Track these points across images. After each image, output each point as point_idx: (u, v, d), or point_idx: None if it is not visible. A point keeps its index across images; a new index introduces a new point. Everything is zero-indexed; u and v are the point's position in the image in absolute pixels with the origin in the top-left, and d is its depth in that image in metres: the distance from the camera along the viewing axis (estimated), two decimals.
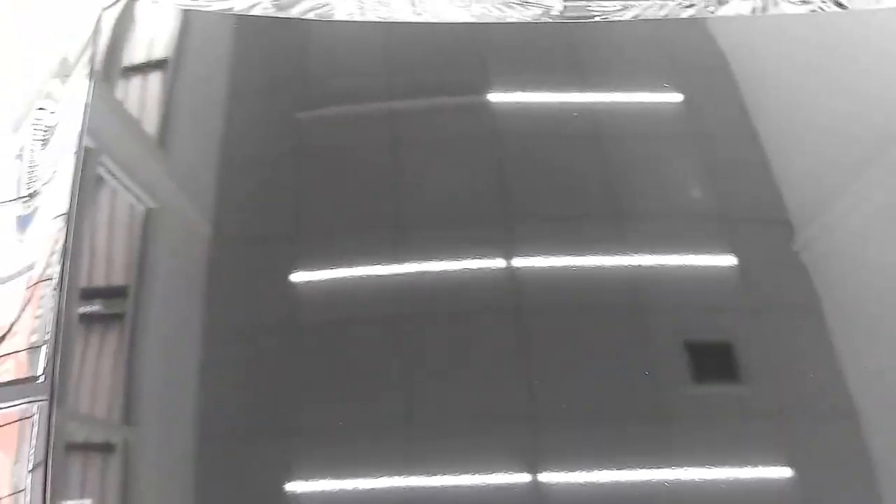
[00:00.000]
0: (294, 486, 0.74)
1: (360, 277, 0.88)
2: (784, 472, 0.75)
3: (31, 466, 0.75)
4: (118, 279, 0.92)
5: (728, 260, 0.90)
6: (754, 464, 0.75)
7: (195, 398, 0.79)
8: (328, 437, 0.76)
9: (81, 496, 0.75)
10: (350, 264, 0.89)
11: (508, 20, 1.13)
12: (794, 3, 1.14)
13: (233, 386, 0.80)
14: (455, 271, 0.87)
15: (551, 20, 1.13)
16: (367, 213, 0.92)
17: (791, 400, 0.80)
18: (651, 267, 0.88)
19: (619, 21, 1.13)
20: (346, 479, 0.74)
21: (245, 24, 1.14)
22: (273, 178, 0.98)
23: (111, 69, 1.13)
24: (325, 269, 0.89)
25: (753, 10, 1.14)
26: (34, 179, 1.03)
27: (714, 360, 0.83)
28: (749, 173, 0.98)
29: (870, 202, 0.96)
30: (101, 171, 0.99)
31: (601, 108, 1.05)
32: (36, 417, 0.77)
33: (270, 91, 1.08)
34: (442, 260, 0.88)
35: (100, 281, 0.92)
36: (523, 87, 1.07)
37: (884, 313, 0.86)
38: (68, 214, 0.92)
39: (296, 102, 1.07)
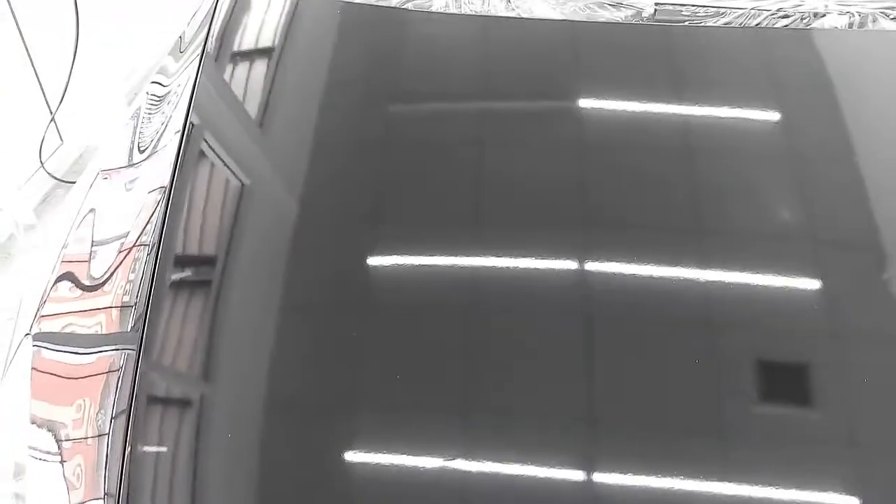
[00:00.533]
0: (349, 458, 0.78)
1: (435, 266, 0.91)
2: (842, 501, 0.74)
3: (114, 413, 0.82)
4: (208, 250, 0.98)
5: (806, 283, 0.88)
6: (812, 489, 0.74)
7: (266, 363, 0.84)
8: (389, 415, 0.80)
9: (159, 444, 0.81)
10: (426, 252, 0.92)
11: (600, 20, 1.12)
12: (893, 18, 1.07)
13: (302, 357, 0.85)
14: (528, 269, 0.89)
15: (643, 22, 1.12)
16: (449, 203, 0.95)
17: (858, 430, 0.77)
18: (727, 284, 0.87)
19: (714, 27, 1.10)
20: (401, 457, 0.77)
21: (349, 10, 1.18)
22: (362, 165, 1.02)
23: (222, 50, 1.21)
24: (401, 254, 0.92)
25: (850, 25, 1.09)
26: (143, 149, 1.12)
27: (779, 383, 0.81)
28: (843, 193, 0.94)
29: None
30: (202, 147, 1.06)
31: (692, 116, 1.03)
32: (122, 369, 0.85)
33: (368, 79, 1.12)
34: (515, 256, 0.90)
35: (190, 250, 0.98)
36: (615, 88, 1.06)
37: None
38: (168, 187, 0.99)
39: (391, 92, 1.10)
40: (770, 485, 0.73)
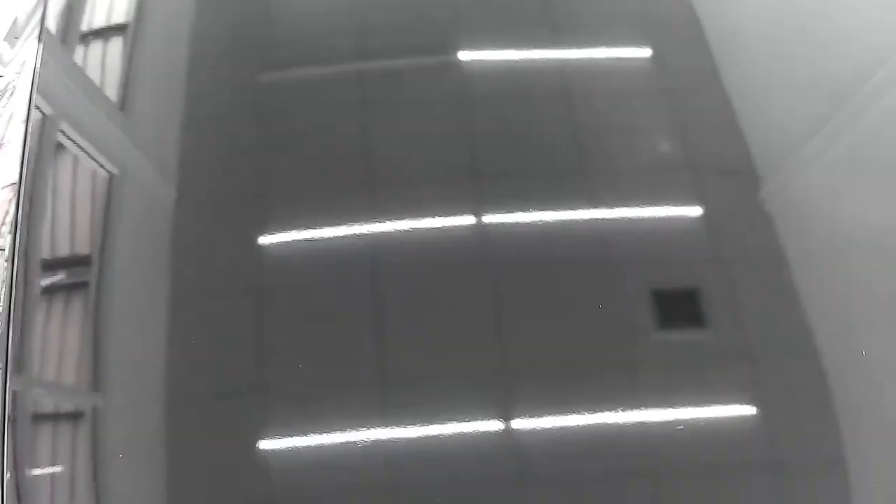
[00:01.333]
0: (265, 446, 0.74)
1: (329, 237, 0.87)
2: (749, 413, 0.76)
3: None
4: (76, 247, 0.91)
5: (690, 211, 0.90)
6: (720, 404, 0.77)
7: (159, 364, 0.79)
8: (298, 396, 0.77)
9: (36, 463, 0.75)
10: (317, 224, 0.88)
11: None
12: None
13: (201, 351, 0.80)
14: (423, 229, 0.87)
15: None
16: (334, 171, 0.91)
17: (755, 343, 0.81)
18: (616, 220, 0.88)
19: None
20: (317, 435, 0.74)
21: None
22: (235, 142, 0.96)
23: (64, 31, 1.10)
24: (289, 230, 0.88)
25: None
26: None
27: (678, 308, 0.83)
28: (715, 124, 0.97)
29: (836, 151, 0.96)
30: (54, 137, 0.97)
31: (566, 58, 1.03)
32: None
33: (232, 53, 1.05)
34: (407, 217, 0.87)
35: (57, 250, 0.91)
36: (485, 37, 1.05)
37: (847, 260, 0.87)
38: (18, 183, 0.90)
39: (262, 60, 1.04)
40: (677, 406, 0.75)
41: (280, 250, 0.87)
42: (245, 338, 0.80)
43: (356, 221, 0.87)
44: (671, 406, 0.75)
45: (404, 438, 0.73)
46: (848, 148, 0.95)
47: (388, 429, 0.74)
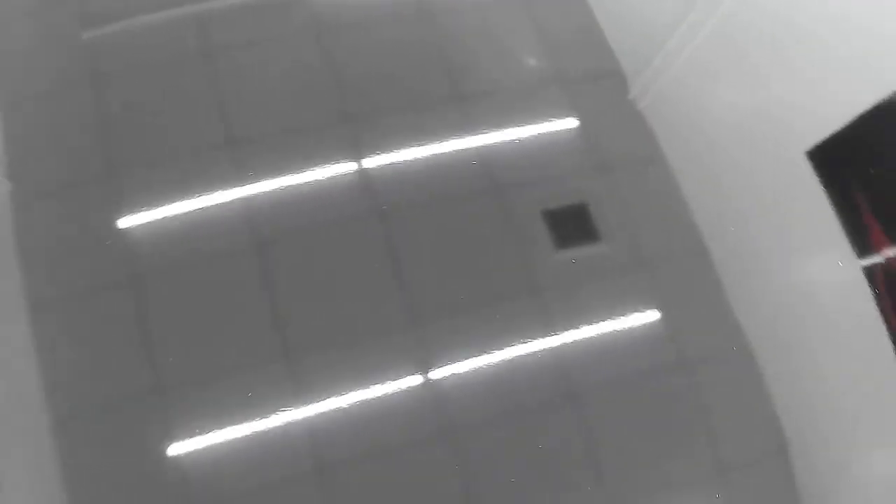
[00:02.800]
0: (177, 451, 0.69)
1: (196, 210, 0.79)
2: (654, 317, 0.78)
3: None
4: None
5: (568, 123, 0.89)
6: (626, 313, 0.78)
7: (32, 382, 0.71)
8: (203, 390, 0.71)
9: None
10: (179, 197, 0.79)
11: None
12: None
13: (73, 359, 0.72)
14: (300, 183, 0.81)
15: None
16: (187, 135, 0.83)
17: (650, 249, 0.82)
18: (497, 143, 0.85)
19: None
20: (232, 428, 0.69)
21: None
22: (72, 118, 0.85)
23: None
24: (154, 206, 0.79)
25: None
26: None
27: (571, 224, 0.83)
28: (576, 33, 0.96)
29: (696, 42, 0.97)
30: None
31: None
32: None
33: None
34: (282, 172, 0.81)
35: None
36: None
37: (722, 147, 0.89)
38: None
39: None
40: (588, 322, 0.76)
41: (147, 231, 0.78)
42: (129, 336, 0.73)
43: (224, 185, 0.80)
44: (582, 323, 0.76)
45: (328, 412, 0.70)
46: (706, 38, 0.97)
47: (307, 406, 0.70)
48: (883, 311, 0.79)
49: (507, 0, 0.98)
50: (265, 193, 0.80)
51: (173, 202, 0.79)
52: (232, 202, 0.79)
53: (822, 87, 0.93)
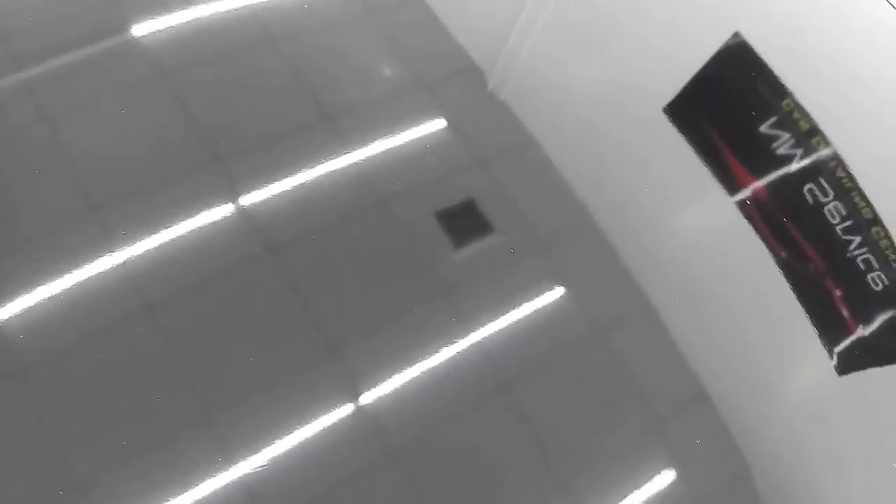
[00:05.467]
0: None
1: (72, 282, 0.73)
2: (560, 293, 0.80)
3: None
4: None
5: (438, 123, 0.90)
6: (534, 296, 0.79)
7: None
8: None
9: None
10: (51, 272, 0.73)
11: None
12: None
13: None
14: (179, 235, 0.76)
15: None
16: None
17: (541, 231, 0.83)
18: (373, 156, 0.84)
19: None
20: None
21: None
22: None
23: None
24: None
25: None
26: None
27: (463, 222, 0.83)
28: (426, 34, 0.96)
29: (542, 20, 1.01)
30: None
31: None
32: None
33: None
34: (154, 226, 0.76)
35: None
36: None
37: (588, 119, 0.92)
38: None
39: None
40: (502, 311, 0.77)
41: (26, 317, 0.72)
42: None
43: (96, 254, 0.74)
44: (497, 313, 0.76)
45: (263, 465, 0.66)
46: (549, 20, 1.01)
47: (238, 465, 0.66)
48: (764, 239, 0.85)
49: (349, 17, 0.98)
50: (144, 253, 0.75)
51: (46, 282, 0.72)
52: (111, 269, 0.74)
53: (662, 49, 0.99)
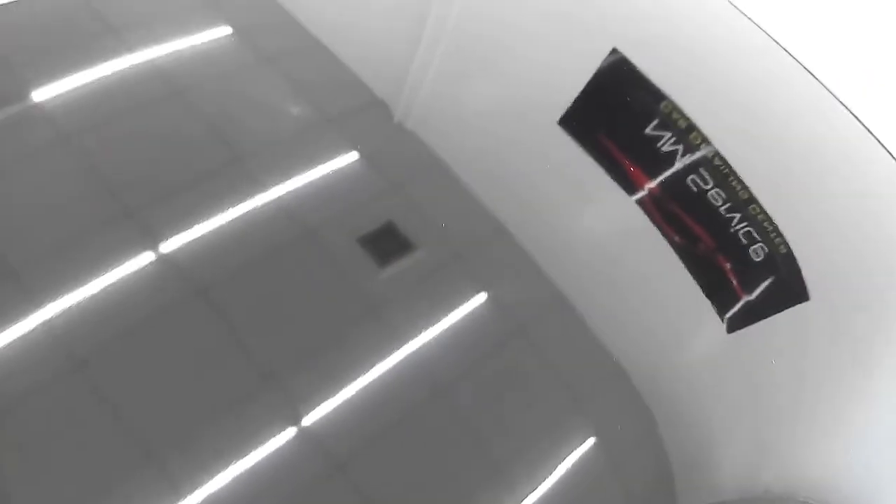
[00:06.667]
0: None
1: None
2: (486, 295, 0.84)
3: None
4: None
5: (349, 156, 0.93)
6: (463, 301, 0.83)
7: None
8: None
9: None
10: None
11: None
12: None
13: None
14: (106, 288, 0.76)
15: None
16: None
17: (458, 242, 0.88)
18: (295, 192, 0.87)
19: None
20: None
21: None
22: None
23: None
24: None
25: None
26: None
27: (386, 244, 0.86)
28: (325, 75, 1.01)
29: (440, 51, 1.06)
30: None
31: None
32: None
33: None
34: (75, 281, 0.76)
35: None
36: None
37: (494, 132, 0.99)
38: None
39: None
40: (433, 322, 0.81)
41: None
42: None
43: (16, 318, 0.74)
44: (426, 325, 0.80)
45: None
46: (445, 50, 1.07)
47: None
48: (665, 234, 0.93)
49: (247, 62, 1.01)
50: (66, 310, 0.75)
51: None
52: (32, 330, 0.73)
53: (551, 67, 1.08)
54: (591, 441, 0.78)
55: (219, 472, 0.67)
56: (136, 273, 0.78)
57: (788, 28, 1.42)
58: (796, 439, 0.89)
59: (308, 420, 0.72)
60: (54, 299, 0.74)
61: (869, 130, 1.24)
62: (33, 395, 0.70)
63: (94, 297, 0.76)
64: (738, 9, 1.21)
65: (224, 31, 1.03)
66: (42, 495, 0.65)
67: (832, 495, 0.86)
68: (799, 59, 1.27)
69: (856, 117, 1.25)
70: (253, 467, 0.68)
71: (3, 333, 0.72)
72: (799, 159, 1.14)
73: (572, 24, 1.16)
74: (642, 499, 0.80)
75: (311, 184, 0.89)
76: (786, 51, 1.27)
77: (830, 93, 1.26)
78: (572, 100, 1.02)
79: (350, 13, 1.11)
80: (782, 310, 0.94)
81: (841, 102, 1.26)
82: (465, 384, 0.78)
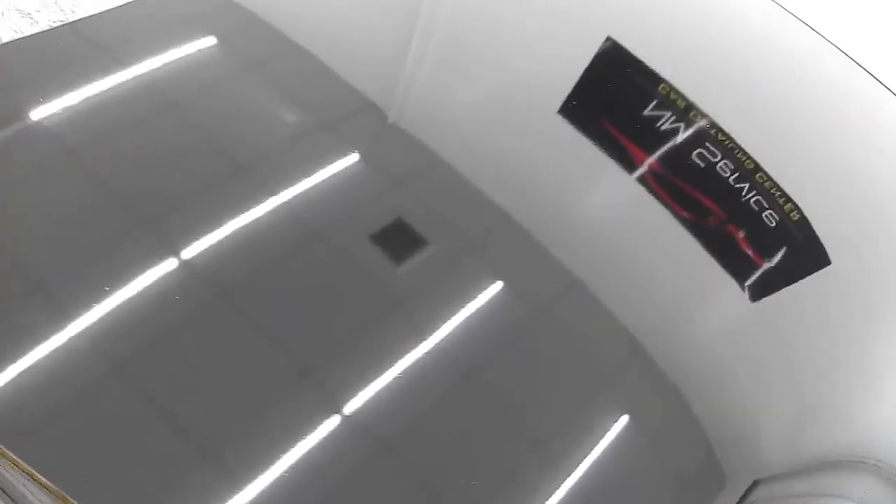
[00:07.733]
0: None
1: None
2: (500, 283, 0.85)
3: None
4: None
5: (350, 158, 0.93)
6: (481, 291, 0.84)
7: None
8: None
9: None
10: None
11: None
12: None
13: None
14: (137, 294, 0.77)
15: None
16: None
17: (471, 232, 0.89)
18: (301, 195, 0.87)
19: None
20: None
21: None
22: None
23: None
24: None
25: None
26: None
27: (398, 239, 0.87)
28: (316, 80, 1.00)
29: (429, 57, 1.06)
30: None
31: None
32: None
33: None
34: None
35: None
36: None
37: (488, 127, 0.99)
38: None
39: None
40: (456, 310, 0.81)
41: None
42: None
43: (44, 335, 0.73)
44: (448, 314, 0.81)
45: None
46: (435, 51, 1.07)
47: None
48: (667, 206, 0.93)
49: (242, 73, 1.01)
50: (98, 320, 0.75)
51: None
52: (74, 337, 0.74)
53: (546, 55, 1.07)
54: (623, 420, 0.79)
55: (274, 462, 0.68)
56: (159, 281, 0.78)
57: None
58: (839, 397, 0.88)
59: (352, 408, 0.73)
60: (87, 309, 0.74)
61: (872, 75, 1.23)
62: (83, 399, 0.70)
63: (124, 304, 0.76)
64: None
65: (210, 41, 1.03)
66: (106, 495, 0.66)
67: (883, 451, 0.86)
68: (792, 11, 1.25)
69: (858, 64, 1.24)
70: (305, 456, 0.69)
71: (42, 346, 0.72)
72: (803, 119, 1.13)
73: (565, 15, 1.15)
74: (688, 477, 0.80)
75: (317, 187, 0.89)
76: (778, 3, 1.25)
77: (828, 41, 1.24)
78: (570, 88, 1.01)
79: (339, 13, 1.11)
80: (804, 276, 0.95)
81: (841, 50, 1.24)
82: (497, 364, 0.79)
